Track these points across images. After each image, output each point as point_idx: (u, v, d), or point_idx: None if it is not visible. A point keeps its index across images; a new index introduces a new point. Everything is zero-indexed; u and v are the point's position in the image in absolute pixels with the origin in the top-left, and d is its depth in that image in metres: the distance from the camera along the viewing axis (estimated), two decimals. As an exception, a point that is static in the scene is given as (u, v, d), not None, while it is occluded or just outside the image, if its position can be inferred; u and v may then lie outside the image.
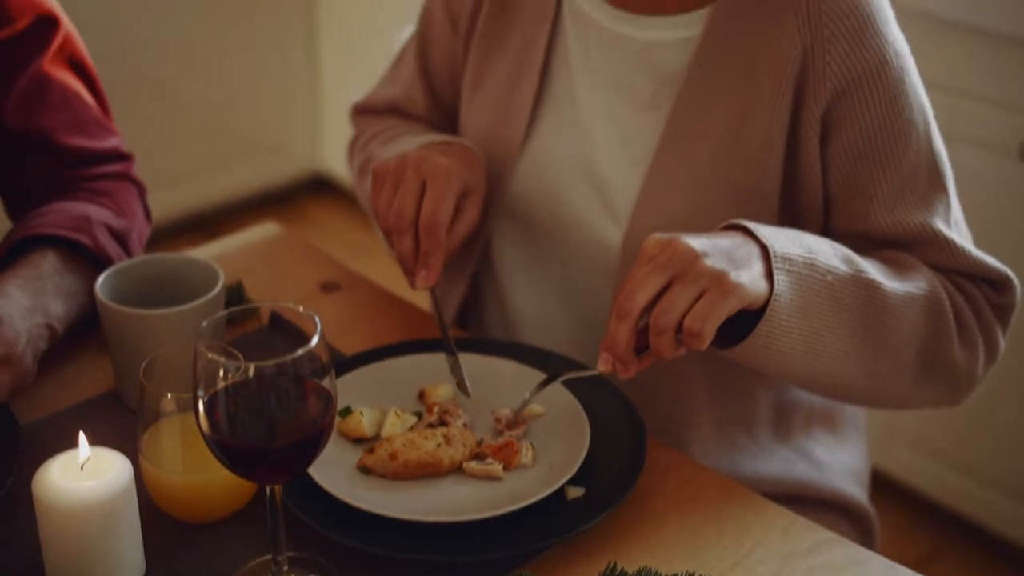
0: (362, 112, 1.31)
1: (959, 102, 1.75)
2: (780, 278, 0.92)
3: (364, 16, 2.84)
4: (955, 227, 1.07)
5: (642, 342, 0.92)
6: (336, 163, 3.06)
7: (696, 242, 0.91)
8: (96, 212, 1.13)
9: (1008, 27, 1.69)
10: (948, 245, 1.05)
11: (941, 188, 1.06)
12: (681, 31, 1.07)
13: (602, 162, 1.11)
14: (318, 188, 3.15)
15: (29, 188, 1.18)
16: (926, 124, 1.05)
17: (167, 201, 2.76)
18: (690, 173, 1.06)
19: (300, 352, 0.77)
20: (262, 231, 1.35)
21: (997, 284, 1.07)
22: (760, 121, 1.04)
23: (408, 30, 1.34)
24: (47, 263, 1.06)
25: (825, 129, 1.04)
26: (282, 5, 2.91)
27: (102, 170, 1.21)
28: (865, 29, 1.01)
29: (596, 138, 1.11)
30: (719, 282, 0.88)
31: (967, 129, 1.76)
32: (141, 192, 1.24)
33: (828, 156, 1.05)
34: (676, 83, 1.07)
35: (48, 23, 1.17)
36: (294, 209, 3.09)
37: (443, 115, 1.26)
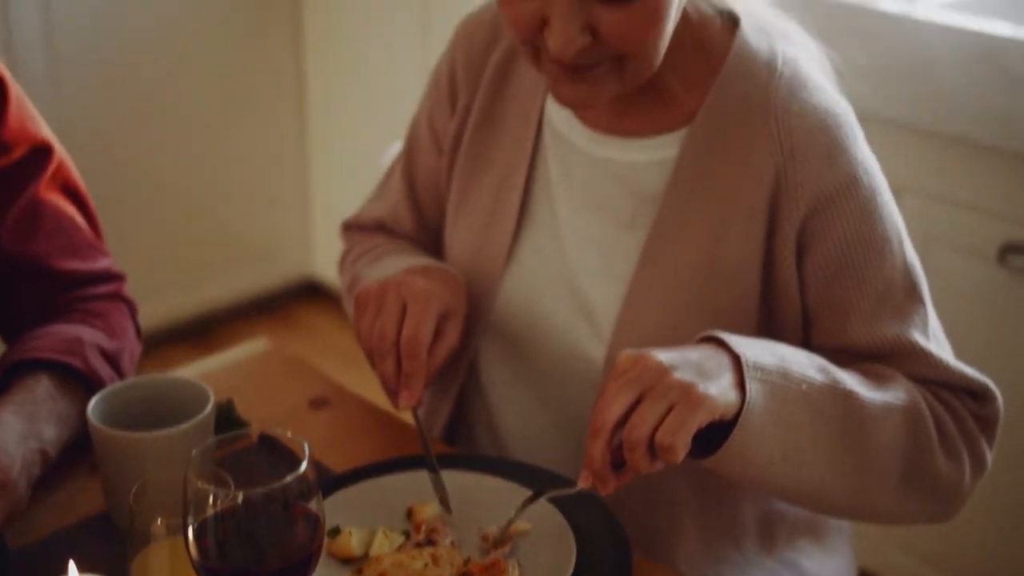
0: (351, 229, 1.35)
1: (937, 207, 1.79)
2: (752, 386, 0.94)
3: (354, 123, 2.90)
4: (933, 339, 1.09)
5: (619, 457, 0.93)
6: (327, 268, 3.09)
7: (665, 356, 0.93)
8: (89, 334, 1.15)
9: (982, 136, 1.73)
10: (926, 357, 1.07)
11: (918, 300, 1.09)
12: (658, 152, 1.10)
13: (584, 280, 1.13)
14: (309, 293, 3.18)
15: (23, 311, 1.20)
16: (899, 238, 1.08)
17: (159, 309, 2.78)
18: (670, 290, 1.09)
19: (289, 479, 0.79)
20: (252, 346, 1.37)
21: (978, 395, 1.09)
22: (736, 240, 1.07)
23: (397, 145, 1.37)
24: (41, 387, 1.07)
25: (800, 247, 1.07)
26: (273, 111, 2.96)
27: (95, 291, 1.24)
28: (834, 150, 1.05)
29: (577, 256, 1.14)
30: (687, 395, 0.90)
31: (946, 234, 1.80)
32: (132, 311, 1.27)
33: (804, 272, 1.07)
34: (655, 203, 1.10)
35: (42, 152, 1.20)
36: (285, 315, 3.11)
37: (428, 233, 1.29)
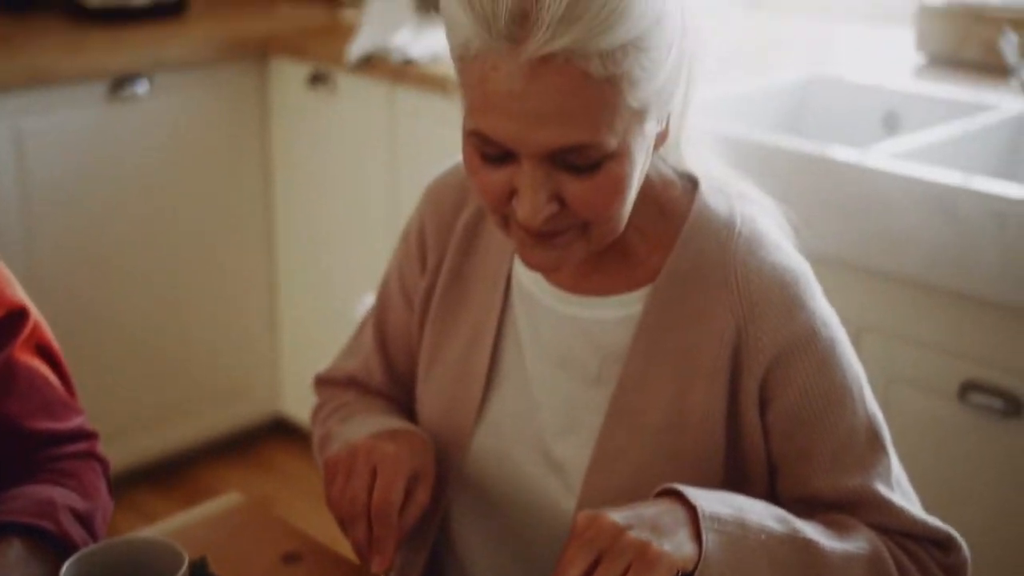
0: (323, 384, 1.37)
1: (898, 347, 1.83)
2: (709, 537, 0.96)
3: (323, 261, 2.93)
4: (897, 488, 1.11)
5: None
6: (296, 405, 3.09)
7: (620, 516, 0.95)
8: (61, 496, 1.15)
9: (936, 278, 1.78)
10: (889, 507, 1.09)
11: (880, 450, 1.11)
12: (622, 310, 1.13)
13: (553, 435, 1.16)
14: (279, 431, 3.17)
15: None
16: (860, 389, 1.11)
17: (125, 450, 2.77)
18: (637, 445, 1.11)
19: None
20: (226, 500, 1.38)
21: (943, 545, 1.10)
22: (700, 396, 1.09)
23: (369, 297, 1.40)
24: (13, 552, 1.07)
25: (762, 400, 1.10)
26: (243, 256, 3.00)
27: (68, 449, 1.24)
28: (792, 305, 1.08)
29: (546, 411, 1.16)
30: (643, 554, 0.92)
31: (906, 373, 1.84)
32: (105, 470, 1.27)
33: (767, 424, 1.10)
34: (620, 359, 1.13)
35: (18, 316, 1.22)
36: (256, 454, 3.10)
37: (400, 387, 1.32)
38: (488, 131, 0.98)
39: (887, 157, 1.87)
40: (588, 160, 0.98)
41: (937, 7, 2.42)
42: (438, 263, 1.24)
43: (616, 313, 1.13)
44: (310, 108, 2.82)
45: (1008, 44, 2.06)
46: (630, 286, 1.13)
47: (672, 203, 1.14)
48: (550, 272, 1.13)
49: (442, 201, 1.25)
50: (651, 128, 1.03)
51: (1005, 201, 1.72)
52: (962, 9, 2.39)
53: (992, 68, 2.32)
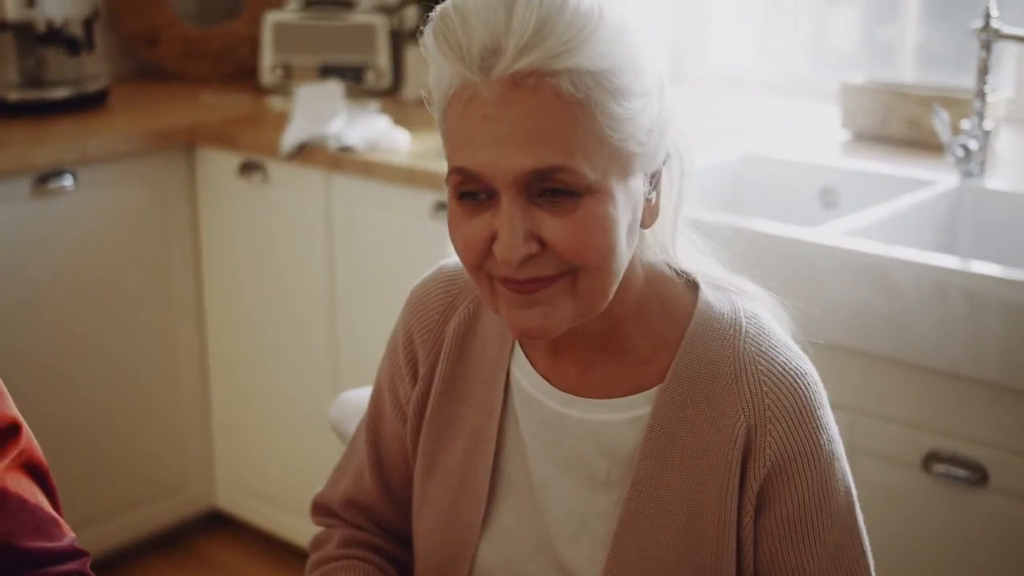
0: (321, 512, 1.34)
1: (862, 420, 1.87)
2: None
3: (257, 353, 2.89)
4: None
5: None
6: (231, 497, 3.03)
7: None
8: None
9: (899, 353, 1.83)
10: None
11: (865, 569, 1.13)
12: (630, 412, 1.13)
13: (562, 541, 1.14)
14: (215, 525, 3.10)
15: None
16: (851, 505, 1.13)
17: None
18: (651, 550, 1.10)
19: None
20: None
21: None
22: (713, 499, 1.09)
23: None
24: None
25: (759, 504, 1.10)
26: (172, 341, 2.94)
27: (60, 569, 1.21)
28: (803, 415, 1.09)
29: (555, 518, 1.15)
30: None
31: (870, 444, 1.87)
32: None
33: (759, 529, 1.11)
34: (629, 461, 1.12)
35: (11, 432, 1.19)
36: (193, 549, 3.02)
37: (393, 502, 1.29)
38: (466, 163, 0.99)
39: (837, 234, 1.92)
40: (566, 187, 0.98)
41: (859, 85, 2.51)
42: (430, 370, 1.22)
43: (624, 415, 1.12)
44: (241, 197, 2.80)
45: (940, 122, 2.14)
46: (637, 387, 1.12)
47: (674, 300, 1.14)
48: (538, 337, 1.05)
49: (427, 308, 1.24)
50: (636, 186, 1.03)
51: (946, 272, 1.77)
52: (884, 87, 2.48)
53: (916, 143, 2.42)
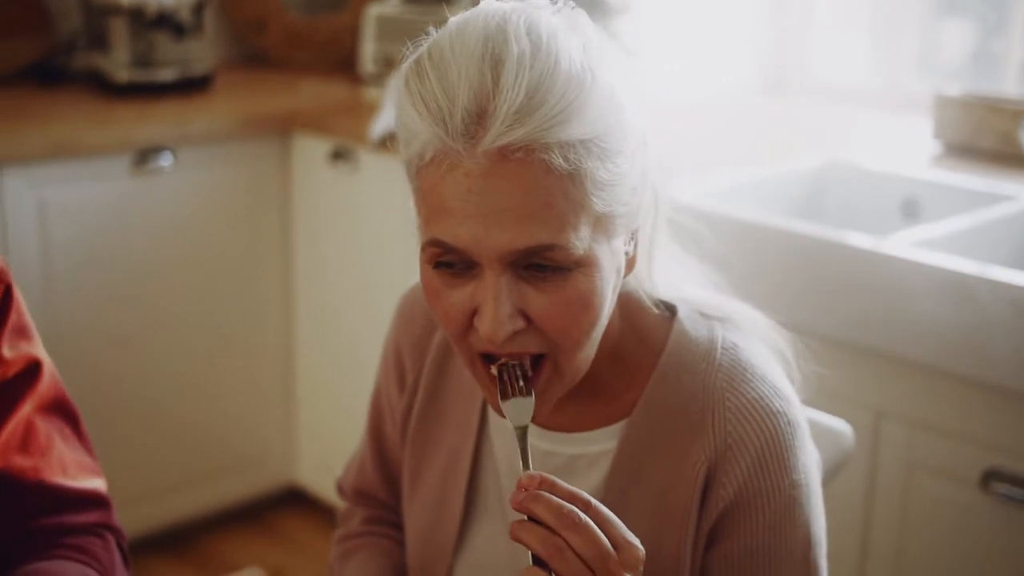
0: (342, 493, 1.35)
1: (918, 433, 1.84)
2: None
3: (341, 334, 2.95)
4: None
5: None
6: (311, 475, 3.10)
7: None
8: (78, 572, 1.13)
9: (956, 365, 1.80)
10: None
11: None
12: (596, 446, 1.10)
13: None
14: (294, 501, 3.17)
15: (6, 531, 1.17)
16: (806, 552, 1.07)
17: (138, 517, 2.78)
18: None
19: None
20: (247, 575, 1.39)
21: None
22: (674, 538, 1.06)
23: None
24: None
25: (710, 539, 1.07)
26: (260, 324, 3.02)
27: (82, 519, 1.21)
28: (765, 455, 1.04)
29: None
30: None
31: (928, 460, 1.85)
32: (120, 540, 1.25)
33: (706, 563, 1.07)
34: (598, 493, 1.09)
35: (34, 369, 1.20)
36: (270, 524, 3.10)
37: (397, 495, 1.29)
38: (447, 237, 0.92)
39: (907, 245, 1.89)
40: (554, 263, 0.92)
41: (953, 97, 2.47)
42: (415, 381, 1.20)
43: (592, 448, 1.09)
44: (331, 183, 2.86)
45: (1026, 136, 2.10)
46: (606, 420, 1.09)
47: (650, 332, 1.09)
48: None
49: (414, 319, 1.21)
50: (619, 246, 0.98)
51: (1022, 290, 1.74)
52: (978, 99, 2.43)
53: (1008, 157, 2.36)
